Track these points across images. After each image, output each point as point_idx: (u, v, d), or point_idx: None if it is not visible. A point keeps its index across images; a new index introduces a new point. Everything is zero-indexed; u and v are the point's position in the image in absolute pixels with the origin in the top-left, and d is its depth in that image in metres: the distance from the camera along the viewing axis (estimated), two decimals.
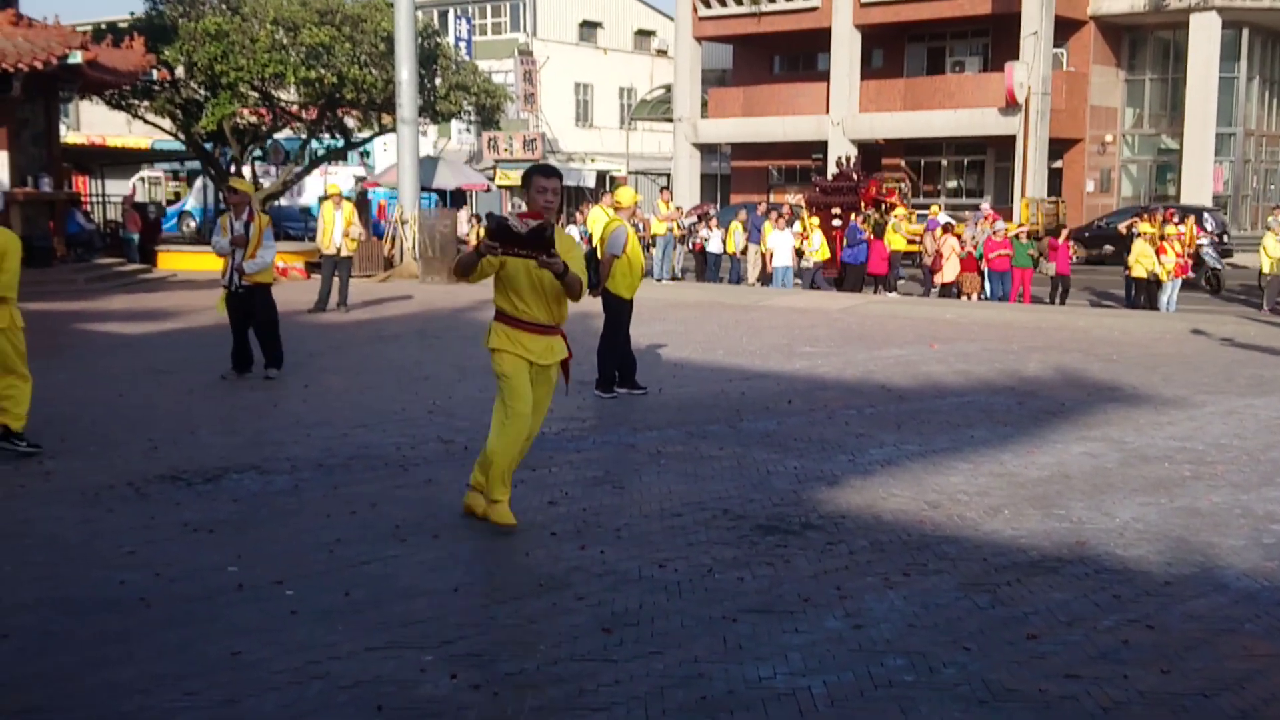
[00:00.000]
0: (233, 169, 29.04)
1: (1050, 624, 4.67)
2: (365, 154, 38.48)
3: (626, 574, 5.30)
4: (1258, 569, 5.40)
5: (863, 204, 23.11)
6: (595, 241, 10.94)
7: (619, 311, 10.36)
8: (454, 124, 41.32)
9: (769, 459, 7.70)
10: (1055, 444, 8.21)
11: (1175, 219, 21.39)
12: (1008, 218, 28.43)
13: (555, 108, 48.68)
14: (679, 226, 24.58)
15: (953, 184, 40.40)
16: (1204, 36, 34.44)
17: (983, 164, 39.49)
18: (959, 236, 20.89)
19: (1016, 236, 20.65)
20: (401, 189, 24.29)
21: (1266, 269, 18.80)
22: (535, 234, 5.43)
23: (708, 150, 44.01)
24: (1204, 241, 22.26)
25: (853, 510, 6.44)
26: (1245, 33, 35.54)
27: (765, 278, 22.44)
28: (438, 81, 29.29)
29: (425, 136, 38.88)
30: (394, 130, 25.56)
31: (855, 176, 23.97)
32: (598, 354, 10.39)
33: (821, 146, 37.85)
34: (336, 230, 16.98)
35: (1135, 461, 7.67)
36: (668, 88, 45.32)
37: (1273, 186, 38.74)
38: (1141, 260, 18.67)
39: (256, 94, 28.05)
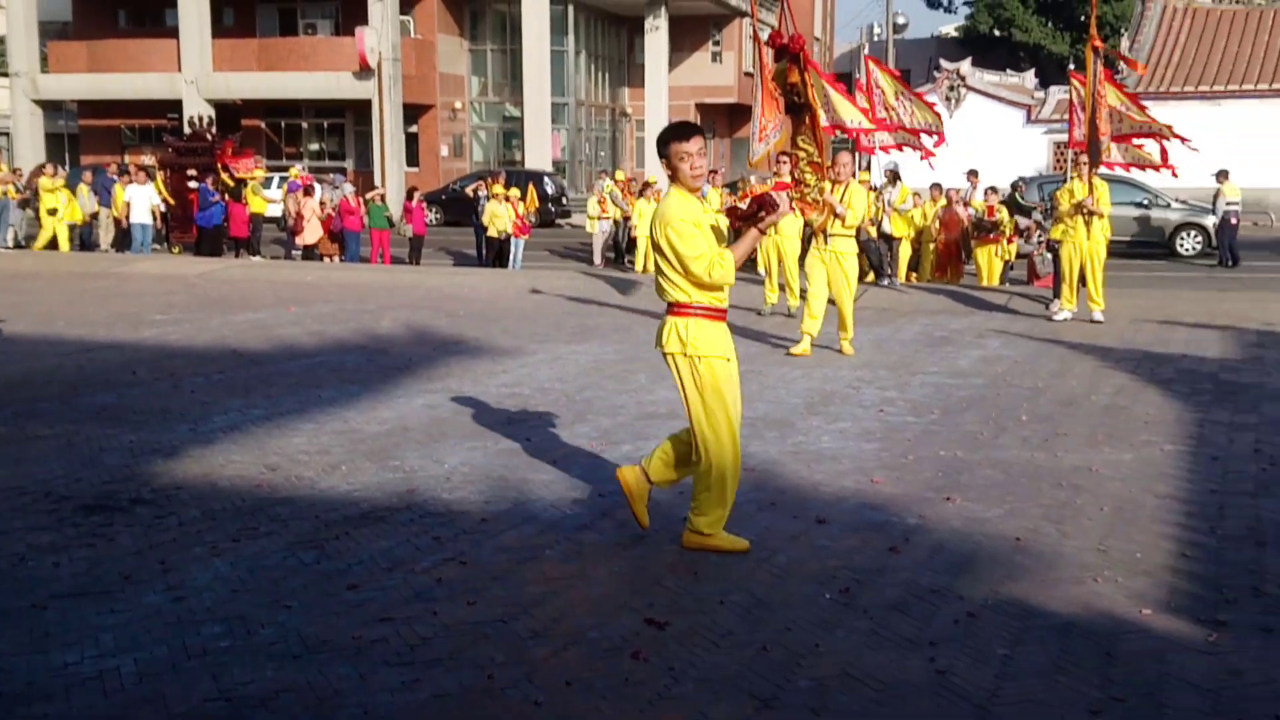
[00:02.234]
0: None
1: (372, 572, 4.92)
2: None
3: None
4: (563, 499, 6.03)
5: (220, 165, 22.36)
6: None
7: None
8: None
9: (103, 435, 7.30)
10: (399, 398, 8.58)
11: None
12: (369, 182, 28.93)
13: None
14: (15, 190, 22.22)
15: (315, 146, 40.38)
16: (535, 12, 37.28)
17: (343, 127, 39.84)
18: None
19: (372, 199, 21.12)
20: None
21: (589, 228, 20.85)
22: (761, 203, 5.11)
23: (52, 107, 40.20)
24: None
25: (188, 480, 6.30)
26: (571, 9, 38.99)
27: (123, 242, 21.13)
28: None
29: None
30: None
31: (209, 137, 23.13)
32: None
33: (177, 105, 36.01)
34: None
35: (469, 409, 8.23)
36: (1, 39, 40.70)
37: (603, 153, 42.93)
38: (494, 220, 19.90)
39: None
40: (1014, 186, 22.29)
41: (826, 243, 10.38)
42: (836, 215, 10.21)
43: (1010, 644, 4.18)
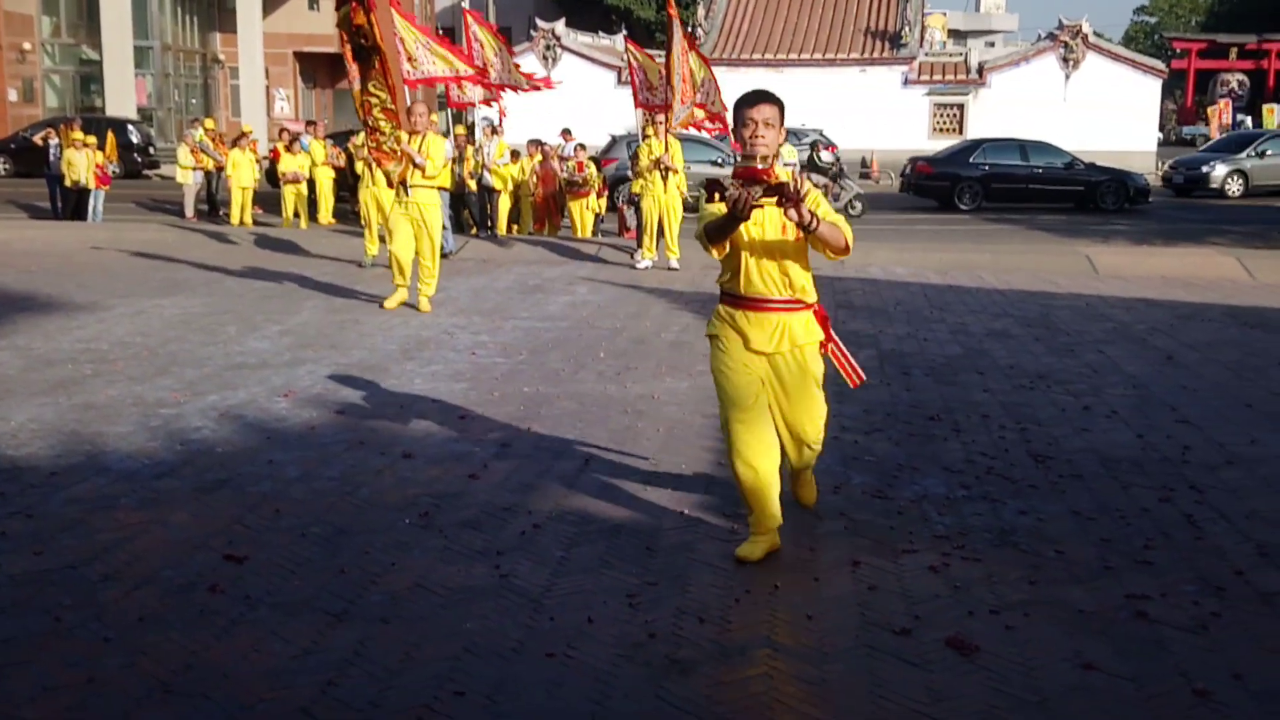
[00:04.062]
0: None
1: None
2: None
3: None
4: (141, 450, 5.93)
5: None
6: None
7: None
8: None
9: None
10: None
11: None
12: None
13: None
14: None
15: None
16: None
17: None
18: None
19: None
20: None
21: (180, 179, 19.88)
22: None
23: None
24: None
25: None
26: None
27: None
28: None
29: None
30: None
31: None
32: None
33: None
34: None
35: (40, 366, 7.83)
36: None
37: (194, 101, 40.70)
38: (71, 169, 18.56)
39: None
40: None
41: (407, 194, 10.30)
42: (416, 166, 10.23)
43: (567, 547, 4.63)
